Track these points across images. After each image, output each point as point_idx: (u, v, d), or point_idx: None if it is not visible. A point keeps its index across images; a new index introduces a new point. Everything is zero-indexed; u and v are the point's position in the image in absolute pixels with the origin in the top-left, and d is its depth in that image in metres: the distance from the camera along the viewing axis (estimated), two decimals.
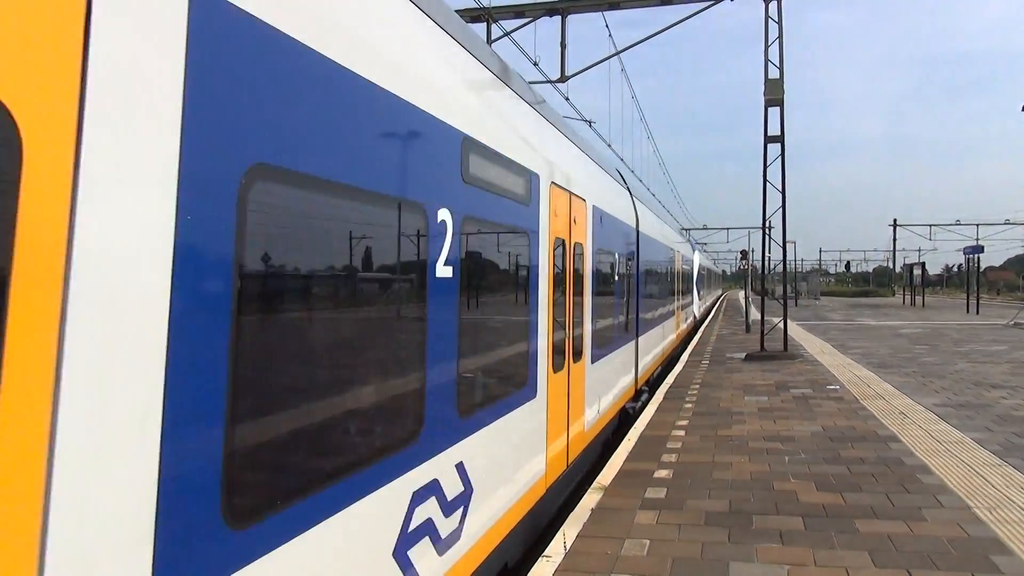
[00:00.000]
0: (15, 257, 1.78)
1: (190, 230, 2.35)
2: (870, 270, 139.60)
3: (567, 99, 18.56)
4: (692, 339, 26.26)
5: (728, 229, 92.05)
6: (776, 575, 5.37)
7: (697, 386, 14.65)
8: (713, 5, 17.24)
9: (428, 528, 4.16)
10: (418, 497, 4.02)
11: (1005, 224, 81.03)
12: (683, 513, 6.78)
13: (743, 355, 20.24)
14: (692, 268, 30.93)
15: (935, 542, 5.96)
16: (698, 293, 36.46)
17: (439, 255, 4.31)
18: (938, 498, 7.11)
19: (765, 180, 19.96)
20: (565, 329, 7.45)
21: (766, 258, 22.82)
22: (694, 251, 34.43)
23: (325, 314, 3.24)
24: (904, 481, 7.70)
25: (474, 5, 17.39)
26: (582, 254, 8.32)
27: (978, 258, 46.66)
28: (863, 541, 6.01)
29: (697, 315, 34.46)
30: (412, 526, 3.96)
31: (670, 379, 15.77)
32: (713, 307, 58.29)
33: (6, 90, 1.73)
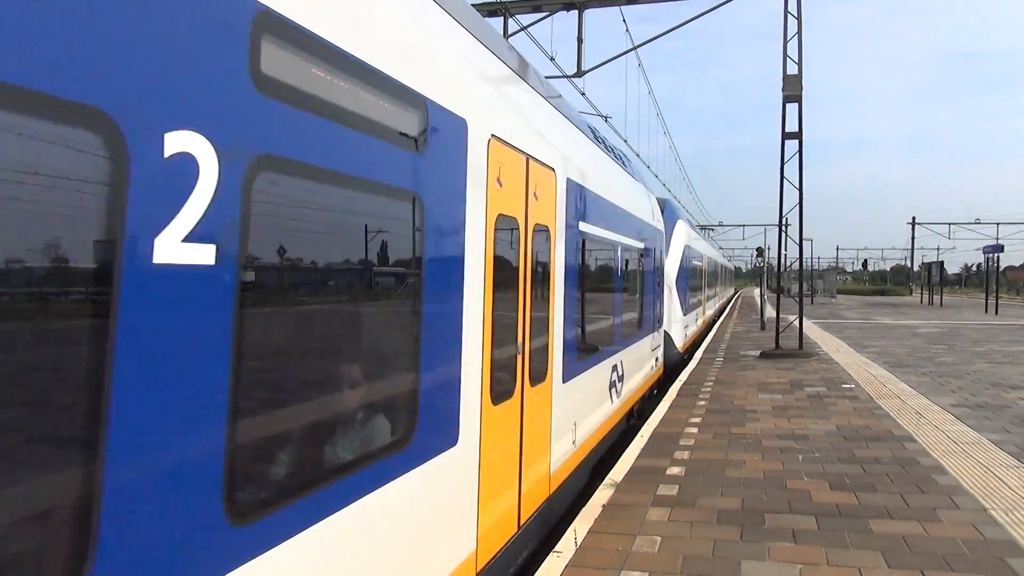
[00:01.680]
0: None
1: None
2: (888, 268, 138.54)
3: (583, 94, 18.50)
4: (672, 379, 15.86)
5: (744, 226, 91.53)
6: (788, 574, 5.34)
7: (711, 384, 14.58)
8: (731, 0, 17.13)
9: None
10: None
11: None
12: (695, 511, 6.76)
13: (758, 353, 20.14)
14: (652, 253, 13.17)
15: (950, 543, 5.91)
16: (682, 303, 19.78)
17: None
18: (954, 499, 7.04)
19: (782, 177, 19.82)
20: None
21: (782, 255, 22.68)
22: (666, 219, 17.50)
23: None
24: (919, 481, 7.63)
25: None
26: None
27: (998, 257, 46.15)
28: (877, 541, 5.96)
29: (681, 347, 19.30)
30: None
31: (684, 376, 15.72)
32: (723, 311, 46.84)
33: None
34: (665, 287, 16.37)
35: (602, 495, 7.21)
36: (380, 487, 3.52)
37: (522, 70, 6.28)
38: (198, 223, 2.38)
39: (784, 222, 20.55)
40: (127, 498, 2.16)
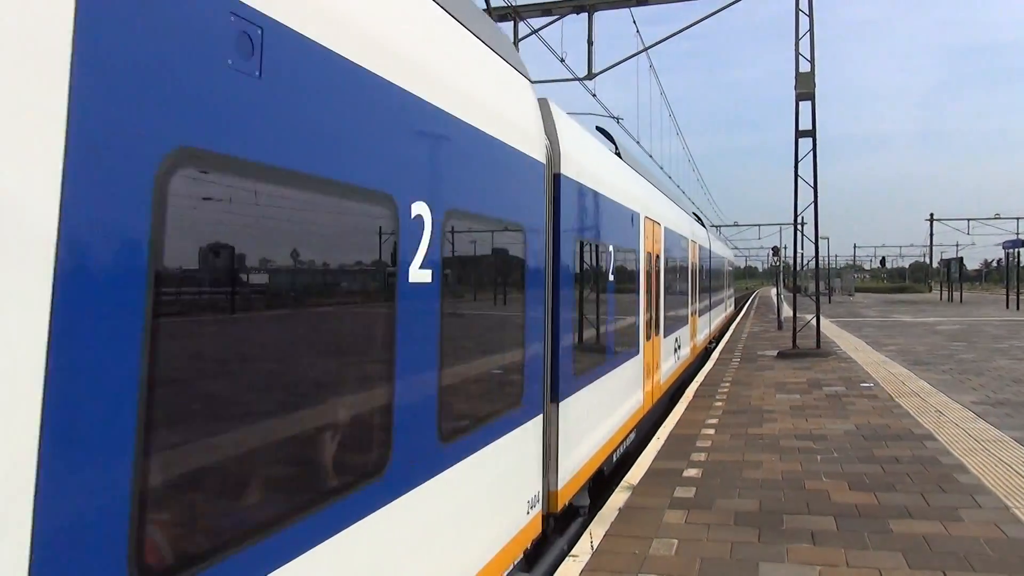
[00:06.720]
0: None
1: None
2: (906, 266, 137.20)
3: (594, 96, 18.48)
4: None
5: (760, 226, 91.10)
6: None
7: (728, 384, 14.50)
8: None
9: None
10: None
11: None
12: (712, 512, 6.72)
13: (775, 352, 20.00)
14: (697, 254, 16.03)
15: (972, 543, 5.83)
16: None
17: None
18: (975, 498, 6.95)
19: (797, 175, 19.70)
20: None
21: (798, 254, 22.53)
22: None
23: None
24: (940, 480, 7.55)
25: (502, 3, 17.38)
26: None
27: (1018, 252, 45.58)
28: (897, 542, 5.90)
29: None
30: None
31: (700, 377, 15.64)
32: (724, 328, 33.64)
33: None
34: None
35: (619, 498, 7.18)
36: (624, 363, 8.91)
37: (658, 183, 13.36)
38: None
39: (799, 220, 20.42)
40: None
